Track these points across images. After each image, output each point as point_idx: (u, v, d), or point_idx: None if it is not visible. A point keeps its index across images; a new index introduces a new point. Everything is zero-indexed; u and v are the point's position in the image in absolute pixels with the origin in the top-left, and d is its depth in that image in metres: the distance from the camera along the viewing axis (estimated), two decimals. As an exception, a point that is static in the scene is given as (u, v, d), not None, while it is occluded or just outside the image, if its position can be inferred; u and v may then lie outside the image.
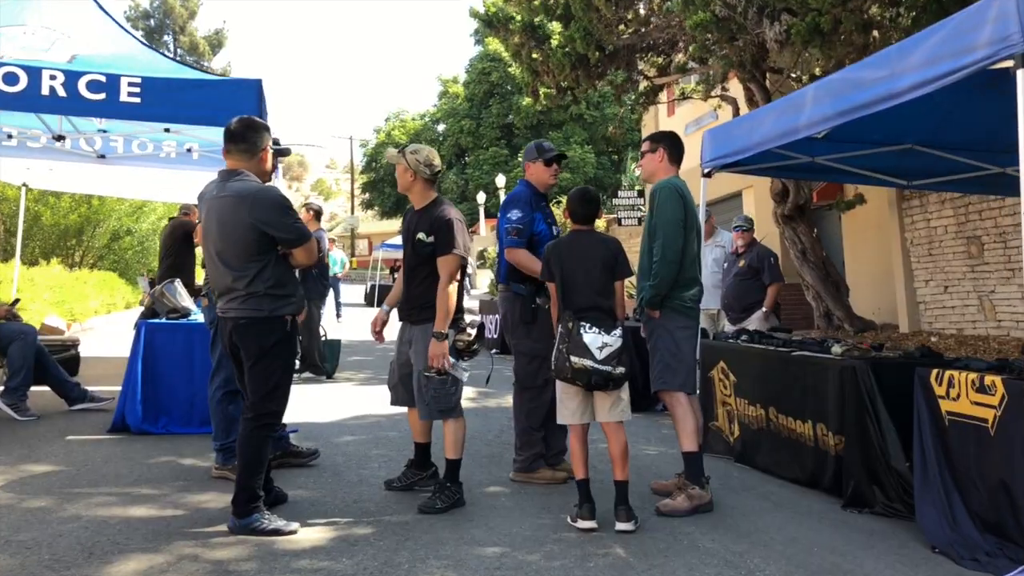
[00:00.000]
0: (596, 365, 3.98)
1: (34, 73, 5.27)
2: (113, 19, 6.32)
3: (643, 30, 12.61)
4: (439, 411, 4.38)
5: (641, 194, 20.59)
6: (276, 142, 5.15)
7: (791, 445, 5.04)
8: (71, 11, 6.28)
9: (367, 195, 48.08)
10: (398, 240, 32.96)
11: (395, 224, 44.81)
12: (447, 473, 4.44)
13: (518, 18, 13.29)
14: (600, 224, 21.51)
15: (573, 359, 3.99)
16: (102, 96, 5.35)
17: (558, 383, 4.22)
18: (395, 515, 4.27)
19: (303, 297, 4.22)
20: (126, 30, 6.25)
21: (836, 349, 4.79)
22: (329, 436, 6.23)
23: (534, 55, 13.12)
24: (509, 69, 40.10)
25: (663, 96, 15.13)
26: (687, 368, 4.53)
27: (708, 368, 5.82)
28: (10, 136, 7.69)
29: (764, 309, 7.67)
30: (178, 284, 6.43)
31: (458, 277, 4.37)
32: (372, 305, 28.33)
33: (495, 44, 41.36)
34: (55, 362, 6.82)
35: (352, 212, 54.79)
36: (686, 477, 4.46)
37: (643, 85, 14.30)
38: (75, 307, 14.02)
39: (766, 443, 5.30)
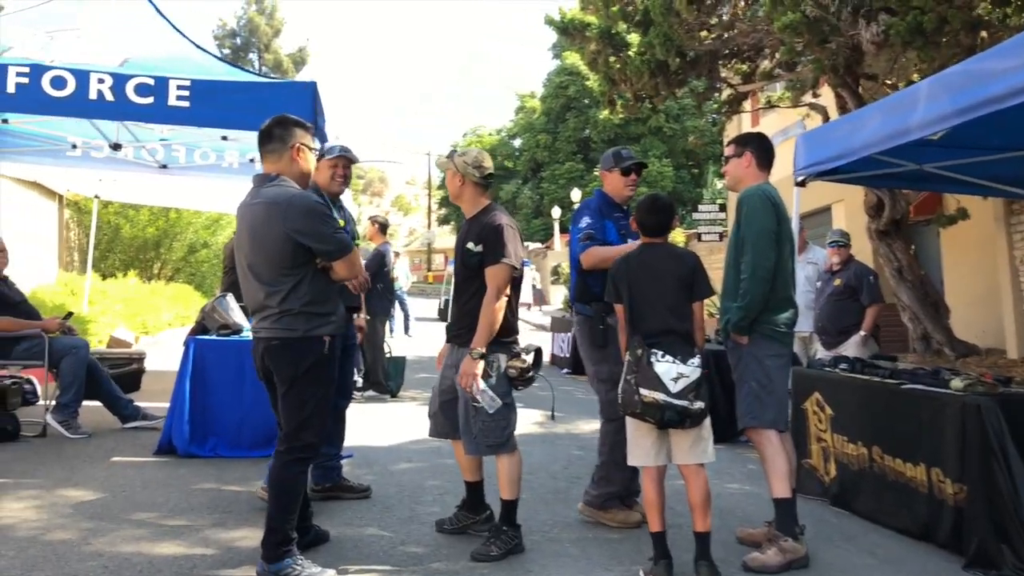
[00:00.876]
0: (670, 399, 3.45)
1: (82, 77, 5.04)
2: (168, 21, 6.09)
3: (726, 35, 12.01)
4: (488, 446, 3.89)
5: (723, 208, 19.86)
6: (344, 150, 4.82)
7: (899, 490, 4.39)
8: (126, 14, 6.08)
9: (444, 210, 48.16)
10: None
11: (471, 239, 44.63)
12: (503, 515, 3.95)
13: (595, 25, 12.83)
14: (679, 239, 20.80)
15: (643, 392, 3.47)
16: (150, 100, 5.08)
17: (628, 419, 3.70)
18: (445, 561, 3.81)
19: (344, 316, 3.79)
20: (180, 32, 5.99)
21: (956, 383, 4.13)
22: (385, 462, 5.82)
23: (611, 63, 12.63)
24: (586, 83, 39.72)
25: (747, 105, 14.46)
26: (779, 402, 3.95)
27: (801, 399, 5.20)
28: (74, 146, 7.58)
29: (862, 333, 6.97)
30: (230, 299, 6.11)
31: (508, 292, 3.89)
32: (445, 320, 28.06)
33: (572, 58, 41.04)
34: (108, 377, 6.59)
35: (429, 227, 55.03)
36: (777, 527, 3.88)
37: (726, 93, 13.67)
38: (148, 319, 14.03)
39: (869, 486, 4.66)
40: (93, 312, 11.92)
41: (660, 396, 3.44)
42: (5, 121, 6.52)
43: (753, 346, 3.97)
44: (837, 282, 7.20)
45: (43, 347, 6.14)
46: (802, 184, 5.64)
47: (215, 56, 5.72)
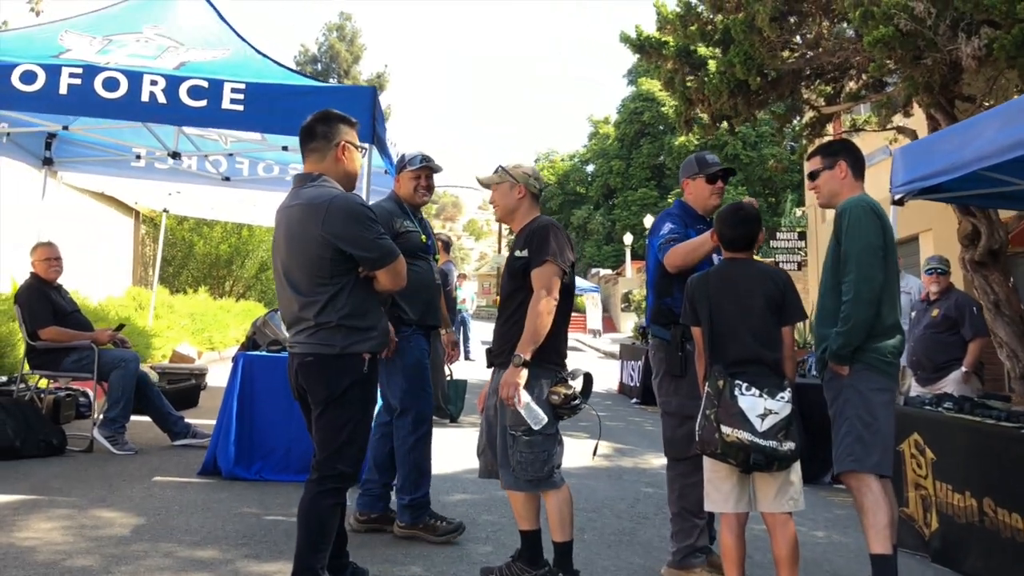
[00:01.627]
0: (755, 439, 3.00)
1: (135, 79, 4.85)
2: (229, 25, 5.91)
3: (810, 54, 11.46)
4: (527, 480, 3.43)
5: (803, 236, 19.14)
6: (426, 159, 4.54)
7: (1016, 550, 3.83)
8: (188, 17, 5.93)
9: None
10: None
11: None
12: (556, 559, 3.50)
13: (672, 43, 12.41)
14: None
15: (725, 429, 3.03)
16: (203, 103, 4.87)
17: (706, 460, 3.26)
18: (494, 611, 3.40)
19: (387, 331, 3.43)
20: (238, 34, 5.80)
21: (1089, 430, 3.58)
22: (437, 493, 5.43)
23: (688, 82, 12.18)
24: (661, 109, 39.34)
25: (830, 128, 13.81)
26: (884, 443, 3.43)
27: (897, 440, 4.65)
28: (138, 157, 7.48)
29: (964, 369, 6.34)
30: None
31: (556, 297, 3.45)
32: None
33: (648, 84, 40.68)
34: (159, 392, 6.39)
35: (499, 251, 55.00)
36: (875, 588, 3.37)
37: (808, 115, 13.08)
38: (215, 335, 14.02)
39: (978, 543, 4.10)
40: (158, 326, 11.90)
41: (744, 435, 2.99)
42: (65, 128, 6.43)
43: (855, 378, 3.45)
44: (935, 313, 6.59)
45: (92, 359, 5.97)
46: (900, 203, 5.12)
47: (273, 60, 5.48)
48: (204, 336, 13.59)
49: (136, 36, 5.59)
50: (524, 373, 3.35)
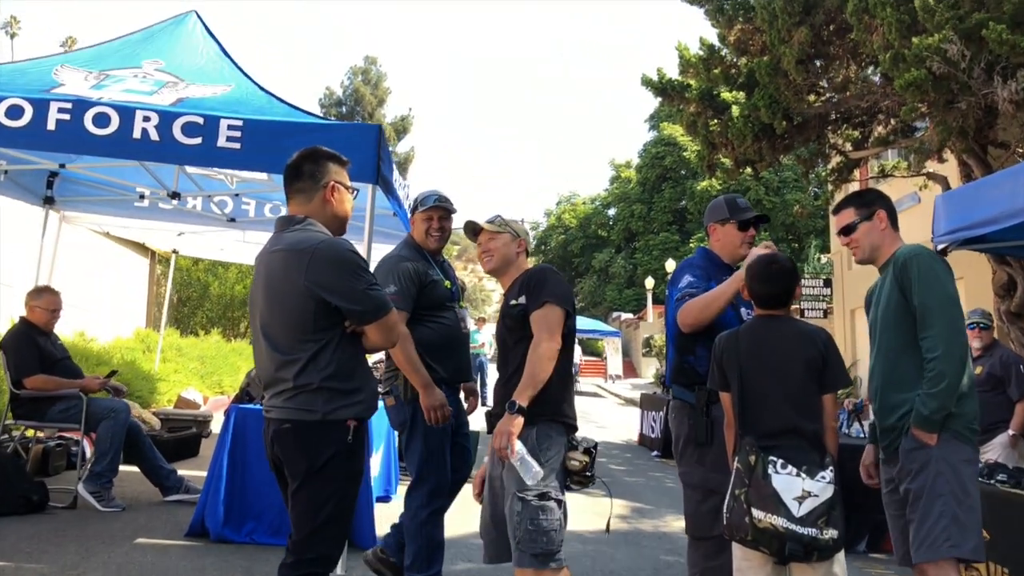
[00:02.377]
0: (792, 525, 2.62)
1: (127, 115, 4.59)
2: (231, 60, 5.68)
3: (837, 98, 11.17)
4: (533, 554, 2.99)
5: (828, 283, 18.71)
6: (441, 199, 4.24)
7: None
8: (190, 52, 5.70)
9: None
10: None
11: (561, 307, 44.07)
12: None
13: (695, 86, 12.16)
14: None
15: (756, 513, 2.65)
16: (198, 140, 4.59)
17: (735, 546, 2.87)
18: None
19: (376, 395, 3.08)
20: (242, 71, 5.55)
21: None
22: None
23: (712, 125, 11.90)
24: (684, 153, 39.22)
25: (856, 174, 13.46)
26: (977, 524, 2.97)
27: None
28: (142, 196, 7.24)
29: (1011, 432, 5.85)
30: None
31: (559, 340, 3.11)
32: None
33: (670, 129, 40.60)
34: (151, 444, 6.04)
35: (520, 294, 54.65)
36: None
37: (835, 160, 12.75)
38: (225, 379, 13.72)
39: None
40: (165, 369, 11.62)
41: (779, 521, 2.61)
42: (62, 166, 6.19)
43: (944, 449, 2.99)
44: (978, 370, 6.12)
45: (80, 409, 5.65)
46: (944, 253, 4.73)
47: (277, 98, 5.22)
48: (214, 380, 13.30)
49: (134, 71, 5.36)
50: (519, 422, 2.98)
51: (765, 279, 3.03)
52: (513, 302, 3.25)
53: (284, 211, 7.55)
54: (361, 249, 5.30)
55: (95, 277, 12.80)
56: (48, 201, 7.12)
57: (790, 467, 2.68)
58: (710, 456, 3.40)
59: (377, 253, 6.94)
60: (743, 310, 3.51)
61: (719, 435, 3.33)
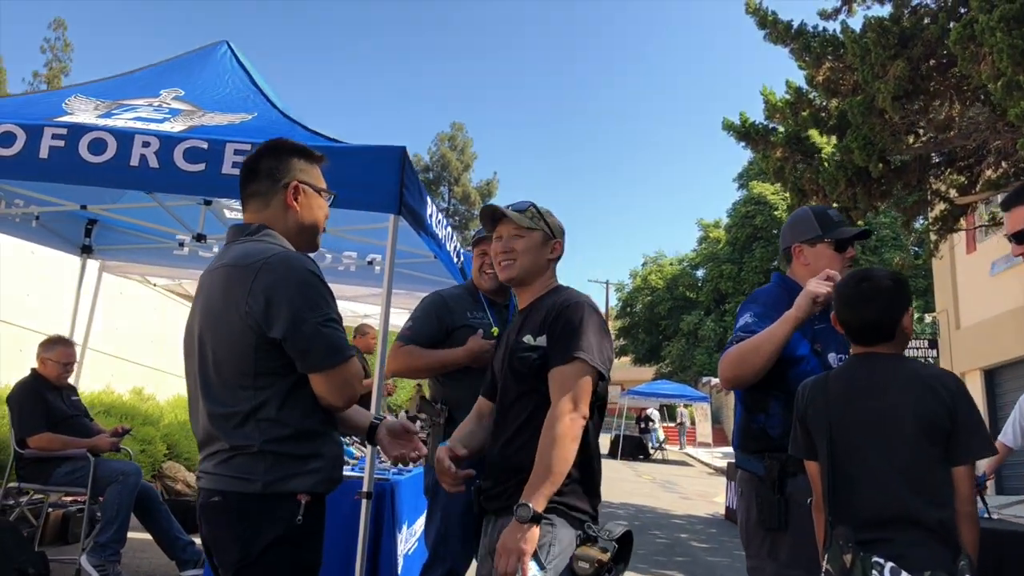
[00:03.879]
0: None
1: (125, 140, 4.10)
2: (258, 88, 5.22)
3: (939, 137, 10.18)
4: None
5: (933, 344, 17.32)
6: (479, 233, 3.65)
7: None
8: (215, 82, 5.27)
9: (622, 340, 46.59)
10: (645, 387, 30.89)
11: (647, 372, 42.93)
12: None
13: (782, 129, 11.36)
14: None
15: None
16: (201, 167, 4.08)
17: None
18: None
19: (339, 462, 2.34)
20: (268, 99, 5.07)
21: None
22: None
23: (801, 171, 11.03)
24: (774, 212, 38.07)
25: (963, 223, 12.33)
26: None
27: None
28: (182, 244, 6.83)
29: None
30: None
31: (586, 412, 2.29)
32: (616, 457, 26.17)
33: (760, 187, 39.49)
34: (167, 511, 5.45)
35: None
36: None
37: (939, 208, 11.67)
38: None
39: None
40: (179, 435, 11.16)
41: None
42: (84, 207, 5.80)
43: None
44: None
45: (88, 471, 5.13)
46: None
47: (302, 126, 4.70)
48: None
49: (151, 100, 4.94)
50: (534, 535, 2.17)
51: (857, 301, 2.21)
52: (529, 340, 2.42)
53: (329, 258, 7.04)
54: (380, 293, 4.74)
55: (155, 329, 12.59)
56: (86, 250, 6.79)
57: (904, 574, 1.86)
58: (786, 546, 2.53)
59: (413, 301, 6.33)
60: (832, 355, 2.66)
61: (799, 518, 2.48)
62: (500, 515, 2.37)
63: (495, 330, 3.59)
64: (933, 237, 12.09)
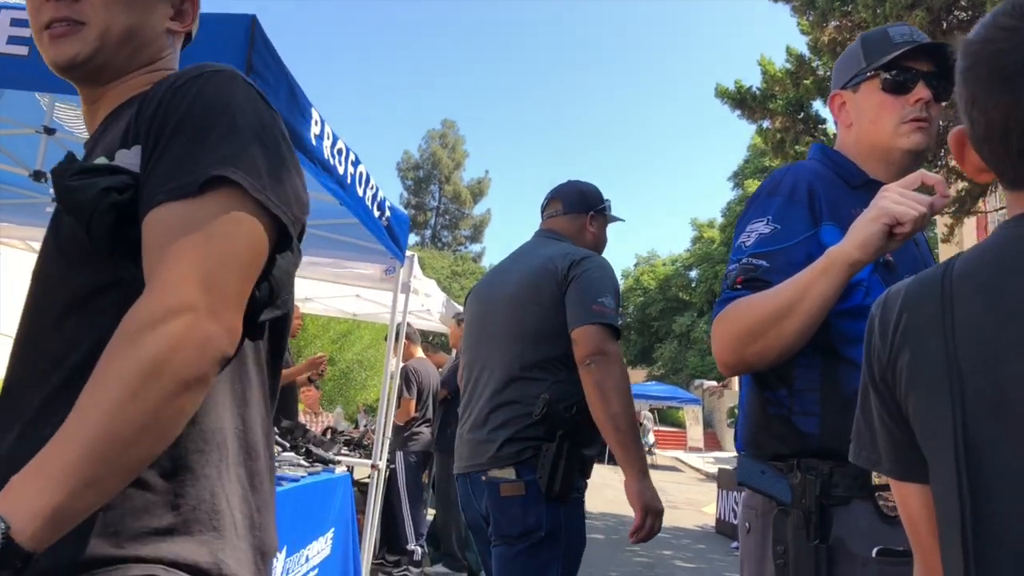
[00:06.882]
0: None
1: None
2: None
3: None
4: None
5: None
6: None
7: None
8: None
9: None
10: (635, 389, 30.08)
11: (638, 374, 42.00)
12: None
13: (782, 97, 10.20)
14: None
15: None
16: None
17: None
18: None
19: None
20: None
21: None
22: None
23: (803, 143, 9.90)
24: (771, 210, 37.29)
25: (981, 204, 11.27)
26: None
27: None
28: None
29: None
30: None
31: None
32: (604, 462, 25.03)
33: (755, 186, 38.57)
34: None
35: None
36: None
37: (957, 187, 10.57)
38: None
39: None
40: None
41: None
42: None
43: None
44: None
45: None
46: None
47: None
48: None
49: None
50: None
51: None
52: None
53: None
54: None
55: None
56: None
57: None
58: None
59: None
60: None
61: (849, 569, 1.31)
62: None
63: None
64: (949, 220, 10.97)
